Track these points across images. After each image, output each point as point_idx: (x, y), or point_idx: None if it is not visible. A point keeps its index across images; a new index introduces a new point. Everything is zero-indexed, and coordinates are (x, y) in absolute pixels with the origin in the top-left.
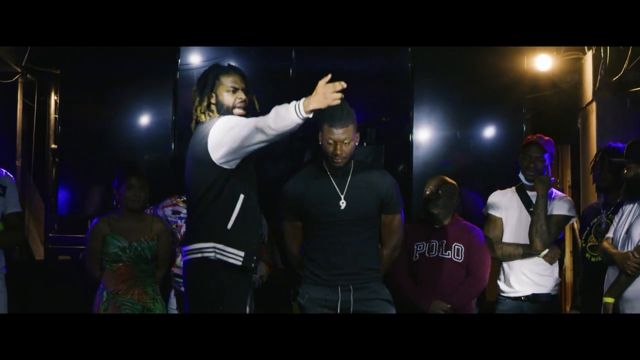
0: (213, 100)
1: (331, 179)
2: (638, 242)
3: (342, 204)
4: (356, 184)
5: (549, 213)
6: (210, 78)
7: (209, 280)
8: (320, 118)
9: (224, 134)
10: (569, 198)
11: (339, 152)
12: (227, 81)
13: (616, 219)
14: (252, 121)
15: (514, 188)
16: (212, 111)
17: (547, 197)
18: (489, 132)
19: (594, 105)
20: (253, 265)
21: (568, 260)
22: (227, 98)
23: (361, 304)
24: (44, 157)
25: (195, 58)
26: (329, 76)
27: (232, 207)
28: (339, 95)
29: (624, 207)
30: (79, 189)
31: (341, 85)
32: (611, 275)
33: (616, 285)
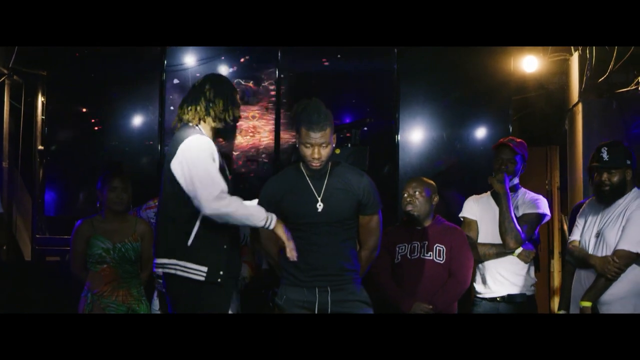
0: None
1: (308, 181)
2: (615, 247)
3: (320, 206)
4: (333, 186)
5: (521, 212)
6: (229, 87)
7: (181, 297)
8: (298, 120)
9: (186, 177)
10: (542, 197)
11: (316, 155)
12: (235, 93)
13: (580, 221)
14: (220, 192)
15: (489, 192)
16: (225, 121)
17: (507, 195)
18: (476, 133)
19: (580, 106)
20: (220, 280)
21: (557, 262)
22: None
23: (339, 305)
24: (31, 159)
25: (184, 59)
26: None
27: (191, 225)
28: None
29: (588, 211)
30: (66, 190)
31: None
32: (584, 278)
33: (594, 289)
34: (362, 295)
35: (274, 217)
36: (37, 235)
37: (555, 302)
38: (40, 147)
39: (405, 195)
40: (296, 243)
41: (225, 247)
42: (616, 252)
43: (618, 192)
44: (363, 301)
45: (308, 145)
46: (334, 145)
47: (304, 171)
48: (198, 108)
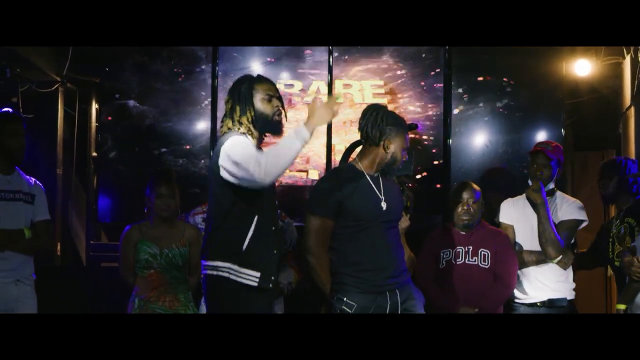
0: (252, 111)
1: (369, 180)
2: None
3: (384, 205)
4: (388, 186)
5: (560, 219)
6: (246, 89)
7: (225, 301)
8: (396, 125)
9: (230, 163)
10: (578, 202)
11: (406, 157)
12: (263, 89)
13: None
14: (257, 161)
15: (524, 195)
16: (250, 122)
17: (545, 205)
18: (528, 137)
19: (632, 110)
20: (271, 285)
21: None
22: (264, 107)
23: (405, 304)
24: (86, 165)
25: (238, 61)
26: (321, 99)
27: (246, 228)
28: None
29: None
30: (121, 196)
31: (337, 100)
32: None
33: (627, 291)
34: (421, 295)
35: (300, 130)
36: (91, 242)
37: (613, 304)
38: (94, 154)
39: (459, 202)
40: (362, 244)
41: (275, 252)
42: None
43: None
44: (422, 301)
45: (405, 148)
46: None
47: (364, 171)
48: (226, 120)
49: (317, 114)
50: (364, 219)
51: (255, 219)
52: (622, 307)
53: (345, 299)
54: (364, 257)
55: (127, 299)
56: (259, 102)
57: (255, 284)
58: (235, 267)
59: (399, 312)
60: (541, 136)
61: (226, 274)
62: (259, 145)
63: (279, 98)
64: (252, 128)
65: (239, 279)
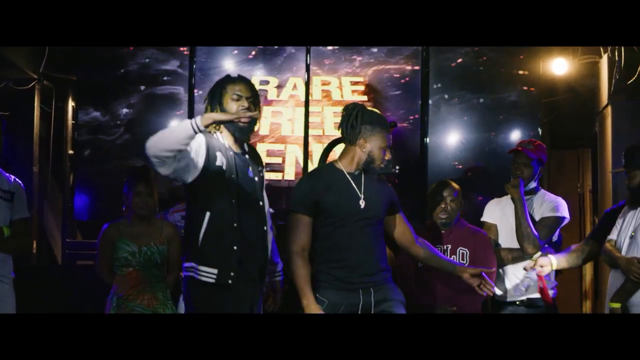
0: (218, 110)
1: (349, 178)
2: None
3: (362, 203)
4: (371, 184)
5: (540, 216)
6: (218, 89)
7: (194, 300)
8: (366, 123)
9: None
10: (561, 200)
11: (388, 157)
12: (233, 89)
13: (619, 221)
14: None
15: (509, 195)
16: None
17: (522, 201)
18: (505, 136)
19: (609, 109)
20: (230, 281)
21: (589, 265)
22: (231, 106)
23: (380, 305)
24: (62, 163)
25: (214, 61)
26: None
27: (199, 226)
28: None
29: (627, 211)
30: (96, 194)
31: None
32: (613, 279)
33: (622, 291)
34: (400, 295)
35: (196, 117)
36: (67, 240)
37: (587, 304)
38: (70, 152)
39: (438, 201)
40: (339, 240)
41: (235, 248)
42: None
43: None
44: (401, 301)
45: (383, 147)
46: None
47: (342, 169)
48: None
49: (224, 115)
50: (340, 217)
51: (207, 216)
52: (616, 305)
53: (317, 295)
54: (339, 254)
55: (104, 297)
56: (228, 101)
57: (213, 281)
58: (196, 265)
59: (372, 312)
60: (516, 135)
61: (191, 273)
62: (240, 144)
63: (250, 98)
64: (221, 127)
65: (199, 277)
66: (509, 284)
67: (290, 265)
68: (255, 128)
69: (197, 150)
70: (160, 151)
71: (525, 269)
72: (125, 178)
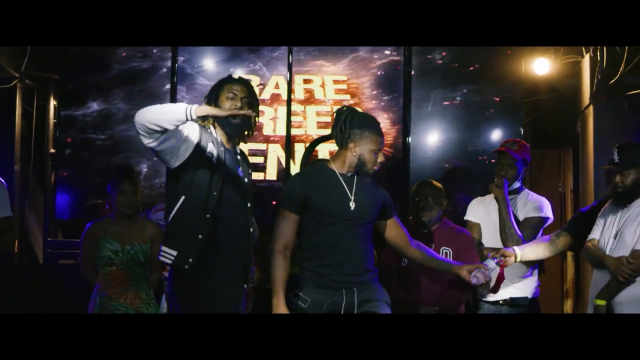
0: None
1: (340, 179)
2: (633, 247)
3: (352, 204)
4: (363, 186)
5: (524, 216)
6: (216, 87)
7: (176, 284)
8: (356, 127)
9: None
10: (545, 200)
11: (381, 159)
12: (230, 88)
13: (600, 221)
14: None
15: (492, 194)
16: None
17: (506, 200)
18: (487, 136)
19: (591, 108)
20: (186, 267)
21: (570, 265)
22: (224, 104)
23: (364, 305)
24: (43, 162)
25: (196, 59)
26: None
27: (172, 207)
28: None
29: (609, 211)
30: (77, 193)
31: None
32: (599, 278)
33: (608, 288)
34: (385, 296)
35: (193, 105)
36: (49, 239)
37: (568, 304)
38: (52, 151)
39: (417, 200)
40: (326, 239)
41: (200, 237)
42: (633, 253)
43: (633, 192)
44: (386, 301)
45: (374, 150)
46: None
47: (335, 170)
48: None
49: (218, 110)
50: (328, 216)
51: (181, 199)
52: (601, 302)
53: (300, 293)
54: (323, 252)
55: (86, 296)
56: (223, 99)
57: (170, 262)
58: (162, 246)
59: (355, 312)
60: (498, 134)
61: (162, 257)
62: (233, 144)
63: (245, 99)
64: (215, 123)
65: (161, 258)
66: (492, 283)
67: (271, 262)
68: (249, 130)
69: (189, 137)
70: (146, 122)
71: (487, 256)
72: (108, 177)
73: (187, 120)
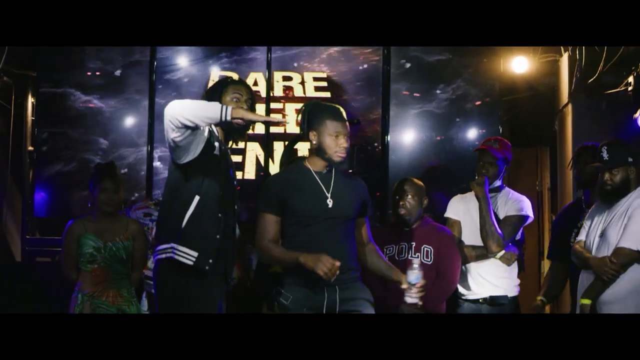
0: None
1: (316, 177)
2: (616, 245)
3: (329, 202)
4: (340, 184)
5: (504, 214)
6: (218, 88)
7: (168, 280)
8: (314, 117)
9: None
10: (525, 199)
11: (344, 144)
12: (234, 89)
13: (587, 222)
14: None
15: (473, 192)
16: None
17: (486, 199)
18: (465, 134)
19: (570, 107)
20: (207, 267)
21: (547, 263)
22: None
23: (346, 303)
24: (21, 160)
25: (174, 60)
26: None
27: (186, 208)
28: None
29: (595, 211)
30: (56, 191)
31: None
32: (585, 279)
33: (592, 287)
34: (367, 294)
35: (228, 106)
36: (27, 237)
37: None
38: (30, 148)
39: (397, 197)
40: (306, 239)
41: (218, 237)
42: (616, 250)
43: (621, 191)
44: (369, 300)
45: (336, 135)
46: None
47: (310, 168)
48: None
49: (255, 115)
50: (306, 215)
51: (196, 199)
52: (587, 302)
53: (283, 290)
54: (304, 251)
55: (64, 294)
56: (227, 101)
57: (192, 263)
58: (175, 245)
59: (337, 310)
60: (475, 133)
61: (169, 254)
62: (227, 143)
63: (249, 101)
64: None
65: (176, 256)
66: (472, 282)
67: (266, 252)
68: (247, 132)
69: (202, 134)
70: (179, 115)
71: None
72: (89, 174)
73: (221, 120)
